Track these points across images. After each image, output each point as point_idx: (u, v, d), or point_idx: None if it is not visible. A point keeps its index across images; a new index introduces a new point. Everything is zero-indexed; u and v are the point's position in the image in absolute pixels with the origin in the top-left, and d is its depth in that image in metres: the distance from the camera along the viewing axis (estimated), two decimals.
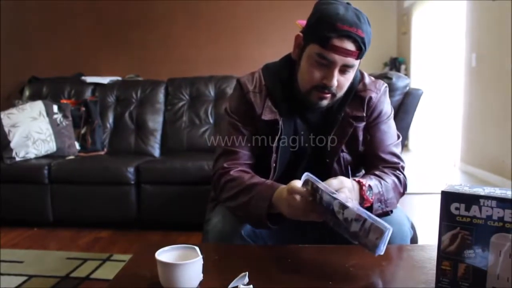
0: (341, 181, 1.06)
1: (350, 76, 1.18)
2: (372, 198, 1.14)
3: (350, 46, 1.10)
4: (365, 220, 0.91)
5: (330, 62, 1.12)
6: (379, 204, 1.16)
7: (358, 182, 1.13)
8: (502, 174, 3.95)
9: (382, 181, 1.20)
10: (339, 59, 1.11)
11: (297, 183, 1.04)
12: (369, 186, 1.14)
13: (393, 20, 7.03)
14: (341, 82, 1.16)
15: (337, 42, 1.09)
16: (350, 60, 1.12)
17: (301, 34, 1.20)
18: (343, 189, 1.04)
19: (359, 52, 1.12)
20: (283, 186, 1.11)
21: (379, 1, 6.75)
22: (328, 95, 1.17)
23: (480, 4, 4.37)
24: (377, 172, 1.24)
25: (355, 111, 1.26)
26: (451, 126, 5.16)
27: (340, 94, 1.20)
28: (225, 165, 1.26)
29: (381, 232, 0.89)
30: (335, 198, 0.96)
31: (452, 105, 5.13)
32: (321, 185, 0.99)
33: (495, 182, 4.00)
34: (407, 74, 6.32)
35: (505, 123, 3.84)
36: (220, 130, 1.39)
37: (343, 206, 0.94)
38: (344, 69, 1.14)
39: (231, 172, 1.24)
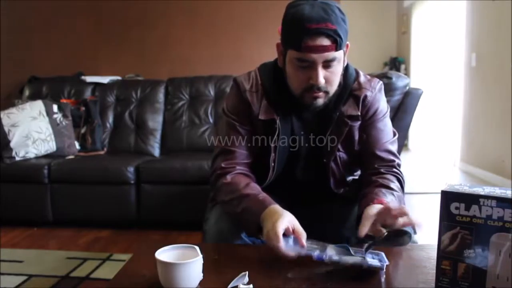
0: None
1: (336, 69, 1.15)
2: None
3: (324, 41, 1.08)
4: (361, 265, 0.97)
5: (310, 62, 1.11)
6: None
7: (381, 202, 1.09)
8: (502, 174, 3.95)
9: (395, 193, 1.18)
10: (318, 57, 1.10)
11: (280, 230, 1.00)
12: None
13: (393, 20, 7.03)
14: (328, 77, 1.14)
15: (310, 42, 1.08)
16: (330, 54, 1.10)
17: (280, 41, 1.20)
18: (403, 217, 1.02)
19: (336, 44, 1.10)
20: (273, 206, 1.10)
21: (379, 1, 6.75)
22: (320, 93, 1.15)
23: (480, 4, 4.37)
24: (382, 182, 1.21)
25: (350, 110, 1.25)
26: (451, 126, 5.16)
27: (332, 90, 1.18)
28: (222, 165, 1.26)
29: (378, 271, 0.98)
30: (322, 252, 1.00)
31: (452, 105, 5.12)
32: (304, 250, 1.01)
33: (495, 182, 4.00)
34: (407, 73, 6.31)
35: (505, 123, 3.84)
36: (218, 129, 1.39)
37: (335, 262, 0.99)
38: (327, 64, 1.12)
39: (228, 176, 1.23)
